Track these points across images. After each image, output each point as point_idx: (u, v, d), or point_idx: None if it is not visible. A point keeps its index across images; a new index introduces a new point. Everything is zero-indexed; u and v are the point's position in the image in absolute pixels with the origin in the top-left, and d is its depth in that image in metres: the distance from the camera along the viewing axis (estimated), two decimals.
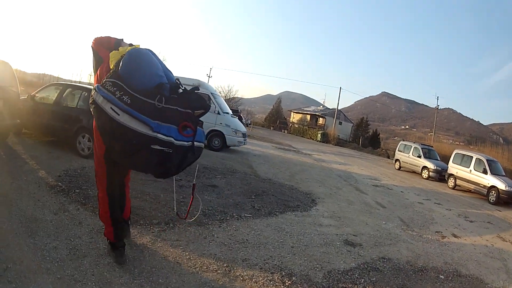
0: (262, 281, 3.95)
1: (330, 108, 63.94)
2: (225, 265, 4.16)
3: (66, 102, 8.93)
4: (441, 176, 19.68)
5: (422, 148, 22.07)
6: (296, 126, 56.70)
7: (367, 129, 62.28)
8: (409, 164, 22.29)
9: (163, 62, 3.48)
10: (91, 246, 3.95)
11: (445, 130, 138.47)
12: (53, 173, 6.40)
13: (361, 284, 4.35)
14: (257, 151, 17.31)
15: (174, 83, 3.27)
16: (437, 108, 50.63)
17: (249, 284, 3.83)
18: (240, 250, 4.66)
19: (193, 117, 3.15)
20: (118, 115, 2.96)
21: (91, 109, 3.21)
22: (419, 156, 21.61)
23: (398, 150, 24.04)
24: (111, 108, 2.99)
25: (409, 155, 22.46)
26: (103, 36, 3.74)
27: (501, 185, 15.23)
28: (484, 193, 15.87)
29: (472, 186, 16.75)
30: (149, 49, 3.44)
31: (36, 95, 9.28)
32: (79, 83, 11.99)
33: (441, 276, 5.10)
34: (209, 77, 56.20)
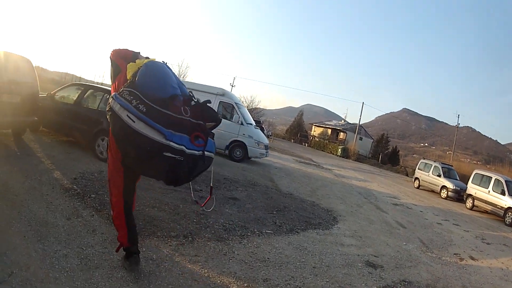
0: None
1: (351, 123, 63.44)
2: (245, 284, 3.94)
3: (87, 103, 8.80)
4: (460, 196, 19.29)
5: (442, 167, 21.68)
6: (317, 139, 56.37)
7: (387, 146, 61.50)
8: (429, 183, 21.93)
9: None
10: (104, 257, 3.71)
11: (464, 148, 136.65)
12: (69, 174, 6.19)
13: None
14: (278, 164, 17.07)
15: (187, 95, 3.45)
16: (457, 127, 49.93)
17: None
18: (261, 269, 4.43)
19: (204, 128, 3.29)
20: (134, 122, 3.05)
21: (107, 116, 3.30)
22: (439, 175, 21.22)
23: (418, 169, 23.69)
24: (127, 115, 3.09)
25: (429, 174, 22.08)
26: (121, 48, 3.90)
27: None
28: (500, 215, 15.40)
29: (489, 207, 16.30)
30: (164, 62, 3.68)
31: (56, 94, 9.18)
32: (101, 85, 11.86)
33: None
34: (232, 86, 56.22)
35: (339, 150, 44.59)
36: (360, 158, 44.16)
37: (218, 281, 3.84)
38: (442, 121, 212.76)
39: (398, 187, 20.46)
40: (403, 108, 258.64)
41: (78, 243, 3.86)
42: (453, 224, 11.39)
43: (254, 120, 17.33)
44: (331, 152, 46.20)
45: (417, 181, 23.17)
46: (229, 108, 14.78)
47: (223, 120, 14.12)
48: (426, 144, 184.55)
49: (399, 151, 61.62)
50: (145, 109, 3.10)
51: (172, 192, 6.55)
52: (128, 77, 3.50)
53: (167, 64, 3.66)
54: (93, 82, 27.98)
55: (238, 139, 14.22)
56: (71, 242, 3.83)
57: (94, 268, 3.44)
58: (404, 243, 7.21)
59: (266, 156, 15.43)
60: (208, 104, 3.49)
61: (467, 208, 17.42)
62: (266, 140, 15.69)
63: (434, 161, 23.30)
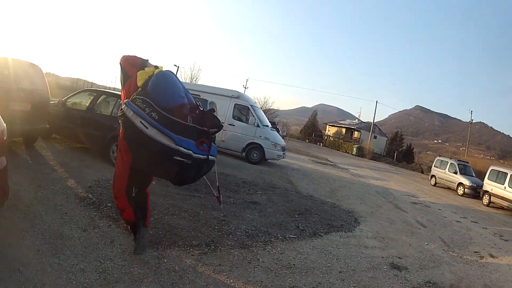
0: None
1: (365, 121, 63.21)
2: None
3: (99, 109, 8.69)
4: (476, 193, 19.08)
5: (458, 164, 21.52)
6: (332, 139, 56.57)
7: (401, 144, 61.19)
8: (445, 180, 21.76)
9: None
10: (124, 270, 3.51)
11: (477, 144, 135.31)
12: (83, 183, 6.01)
13: None
14: (295, 165, 16.97)
15: (194, 103, 3.79)
16: (471, 123, 49.45)
17: None
18: (287, 276, 4.26)
19: (208, 134, 3.62)
20: (147, 128, 3.39)
21: (119, 121, 3.65)
22: (455, 172, 21.05)
23: (434, 166, 23.54)
24: (140, 122, 3.42)
25: (445, 171, 21.92)
26: (130, 55, 4.24)
27: None
28: None
29: (505, 203, 16.02)
30: (172, 72, 4.07)
31: (68, 100, 9.09)
32: (114, 90, 11.79)
33: None
34: (245, 88, 56.35)
35: (354, 149, 45.12)
36: (375, 157, 44.38)
37: None
38: (455, 118, 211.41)
39: (415, 185, 20.40)
40: (416, 105, 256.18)
41: (95, 256, 3.67)
42: (472, 221, 11.38)
43: (269, 121, 17.33)
44: (346, 151, 46.78)
45: (433, 179, 23.01)
46: (245, 110, 14.75)
47: (239, 122, 14.53)
48: (439, 141, 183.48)
49: (413, 148, 61.39)
50: (157, 117, 3.45)
51: (191, 198, 6.38)
52: (139, 85, 3.82)
53: (174, 73, 4.06)
54: (105, 87, 28.08)
55: (254, 141, 14.19)
56: (88, 255, 3.65)
57: (114, 282, 3.27)
58: (426, 243, 7.15)
59: (283, 158, 15.37)
60: (213, 110, 3.93)
61: (484, 204, 17.24)
62: (282, 142, 15.62)
63: (450, 158, 23.26)
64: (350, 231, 6.85)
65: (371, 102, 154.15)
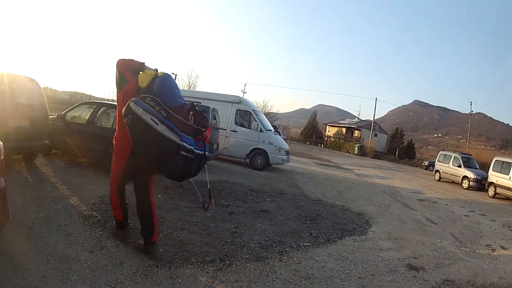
0: None
1: (364, 119, 63.38)
2: None
3: (100, 121, 8.52)
4: (481, 185, 19.26)
5: (461, 158, 21.67)
6: (332, 139, 56.93)
7: (402, 140, 61.41)
8: (449, 174, 21.91)
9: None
10: None
11: (477, 135, 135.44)
12: (87, 200, 5.79)
13: None
14: (299, 169, 16.97)
15: (191, 105, 4.02)
16: (471, 114, 49.60)
17: None
18: (307, 287, 4.09)
19: (202, 133, 3.89)
20: (157, 125, 3.60)
21: (125, 119, 3.82)
22: (459, 166, 21.21)
23: (438, 161, 23.68)
24: (151, 118, 3.62)
25: (449, 165, 22.07)
26: (126, 58, 4.36)
27: None
28: None
29: (511, 193, 16.39)
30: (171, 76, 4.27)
31: (67, 114, 8.92)
32: (113, 102, 11.61)
33: None
34: (243, 92, 56.22)
35: (356, 148, 45.65)
36: (377, 155, 44.89)
37: None
38: (454, 110, 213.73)
39: (420, 181, 20.45)
40: (414, 100, 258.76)
41: (105, 280, 3.43)
42: (480, 214, 11.49)
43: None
44: (347, 151, 47.39)
45: (437, 174, 23.19)
46: (247, 115, 14.62)
47: (241, 128, 14.43)
48: (439, 135, 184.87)
49: (414, 144, 61.73)
50: (165, 114, 3.68)
51: (200, 210, 6.17)
52: (142, 86, 4.00)
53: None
54: (104, 99, 27.91)
55: (258, 146, 14.03)
56: (97, 279, 3.42)
57: None
58: (438, 240, 7.15)
59: (287, 162, 15.23)
60: (204, 111, 4.27)
61: (489, 196, 17.42)
62: (286, 146, 15.44)
63: (454, 152, 23.43)
64: (363, 234, 6.77)
65: (370, 99, 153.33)
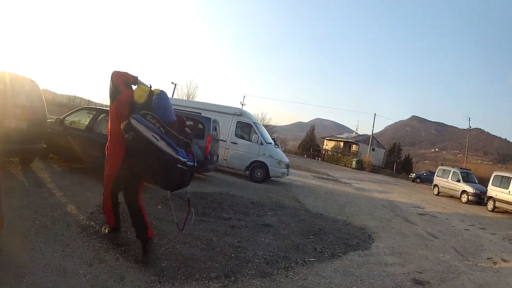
0: None
1: (362, 134, 63.95)
2: None
3: (99, 128, 8.36)
4: (480, 199, 19.62)
5: (460, 172, 21.94)
6: (330, 153, 57.65)
7: (400, 154, 62.11)
8: (448, 188, 22.20)
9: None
10: None
11: (474, 150, 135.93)
12: (85, 208, 5.59)
13: None
14: (298, 182, 16.96)
15: (181, 119, 4.30)
16: (469, 130, 50.03)
17: None
18: None
19: (190, 145, 4.20)
20: (158, 141, 3.82)
21: (126, 135, 4.02)
22: (458, 180, 21.53)
23: (437, 176, 23.99)
24: (152, 135, 3.85)
25: (448, 180, 22.37)
26: (122, 71, 4.53)
27: None
28: None
29: (510, 207, 16.72)
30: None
31: (66, 118, 8.82)
32: None
33: None
34: (242, 104, 56.32)
35: (354, 162, 46.37)
36: (374, 169, 45.68)
37: None
38: (451, 125, 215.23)
39: (418, 196, 20.73)
40: (412, 116, 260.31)
41: None
42: (480, 228, 11.65)
43: None
44: (345, 165, 48.11)
45: (436, 188, 23.52)
46: (247, 128, 14.60)
47: (242, 140, 14.40)
48: (436, 149, 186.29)
49: (411, 158, 62.17)
50: (164, 130, 3.94)
51: (201, 223, 6.06)
52: (140, 101, 4.26)
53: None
54: (103, 105, 27.84)
55: (258, 159, 13.98)
56: None
57: None
58: (441, 254, 7.20)
59: (287, 175, 15.18)
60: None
61: (488, 210, 17.76)
62: (286, 159, 15.37)
63: (452, 167, 23.71)
64: (367, 248, 6.75)
65: (367, 114, 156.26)
